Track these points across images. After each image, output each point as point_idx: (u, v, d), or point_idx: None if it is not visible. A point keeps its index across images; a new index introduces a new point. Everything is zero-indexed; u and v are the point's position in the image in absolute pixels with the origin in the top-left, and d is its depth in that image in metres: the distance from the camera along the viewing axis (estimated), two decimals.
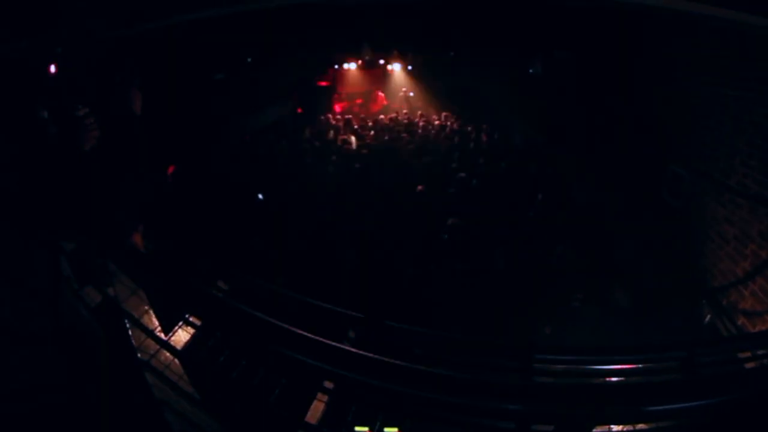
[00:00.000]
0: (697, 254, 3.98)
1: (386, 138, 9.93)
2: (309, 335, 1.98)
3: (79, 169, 2.64)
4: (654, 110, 4.97)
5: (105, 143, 3.18)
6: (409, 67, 13.53)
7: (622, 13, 4.41)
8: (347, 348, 1.99)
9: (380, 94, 14.29)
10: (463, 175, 7.15)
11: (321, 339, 1.98)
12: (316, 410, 2.58)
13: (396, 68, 13.68)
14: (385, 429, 2.21)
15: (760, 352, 2.07)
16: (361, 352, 2.04)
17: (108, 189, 2.38)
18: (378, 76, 14.38)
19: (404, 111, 12.54)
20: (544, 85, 7.60)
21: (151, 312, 2.55)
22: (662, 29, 4.72)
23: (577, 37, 5.76)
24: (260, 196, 7.59)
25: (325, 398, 2.39)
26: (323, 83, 13.80)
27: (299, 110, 12.80)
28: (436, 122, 11.42)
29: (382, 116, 12.05)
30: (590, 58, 6.42)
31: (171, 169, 8.65)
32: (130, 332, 2.21)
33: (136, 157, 2.63)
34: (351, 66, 13.59)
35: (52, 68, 5.01)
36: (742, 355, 2.10)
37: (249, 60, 9.97)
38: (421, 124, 11.44)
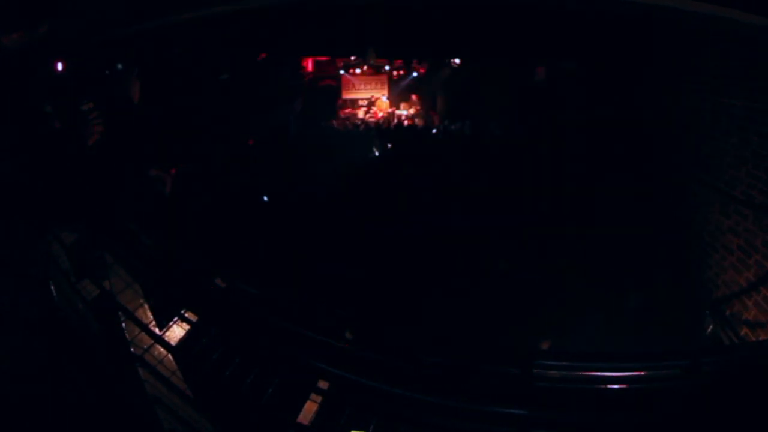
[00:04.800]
0: (701, 264, 3.94)
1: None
2: (306, 332, 1.95)
3: (80, 162, 2.62)
4: (659, 120, 4.96)
5: (107, 137, 3.18)
6: (414, 74, 13.58)
7: (628, 21, 4.41)
8: (343, 346, 1.96)
9: (384, 99, 14.32)
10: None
11: (317, 336, 1.94)
12: (308, 411, 2.53)
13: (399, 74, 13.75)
14: None
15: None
16: (357, 352, 2.00)
17: (108, 181, 2.36)
18: (383, 81, 14.41)
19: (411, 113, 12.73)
20: (549, 94, 7.61)
21: (146, 306, 2.52)
22: (668, 38, 4.72)
23: (582, 47, 5.77)
24: (265, 198, 7.61)
25: (319, 399, 2.35)
26: (329, 82, 13.88)
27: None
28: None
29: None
30: (594, 67, 6.42)
31: (173, 171, 8.65)
32: (123, 326, 2.18)
33: (136, 152, 2.61)
34: (356, 71, 13.69)
35: (59, 66, 5.04)
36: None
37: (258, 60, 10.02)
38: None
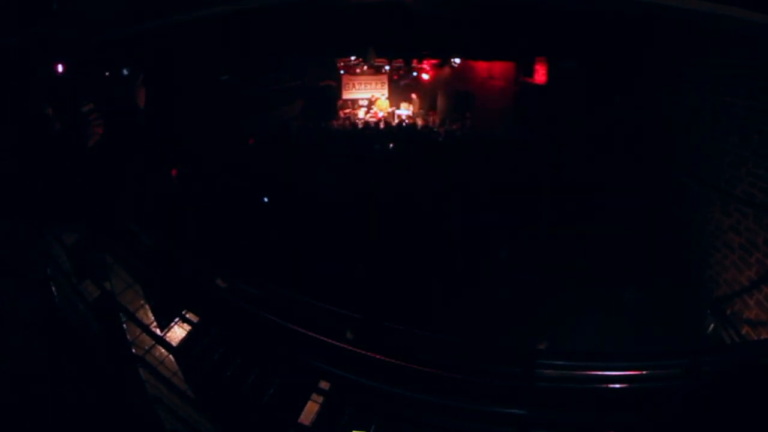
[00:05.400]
0: (702, 264, 3.93)
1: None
2: (307, 332, 1.95)
3: (80, 163, 2.62)
4: (659, 119, 4.95)
5: (108, 138, 3.17)
6: (414, 73, 13.60)
7: (627, 20, 4.41)
8: (344, 346, 1.96)
9: (384, 99, 14.32)
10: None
11: (318, 336, 1.94)
12: (309, 412, 2.53)
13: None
14: None
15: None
16: (358, 350, 2.00)
17: (109, 182, 2.35)
18: (383, 81, 14.42)
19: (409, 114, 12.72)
20: (548, 93, 7.61)
21: (147, 306, 2.52)
22: (668, 37, 4.71)
23: (582, 46, 5.76)
24: (265, 199, 7.60)
25: (320, 399, 2.35)
26: (329, 82, 13.89)
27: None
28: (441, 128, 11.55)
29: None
30: (595, 66, 6.42)
31: (174, 172, 8.66)
32: (124, 326, 2.18)
33: (137, 152, 2.61)
34: (356, 71, 13.73)
35: (59, 67, 5.04)
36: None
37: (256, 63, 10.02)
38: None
